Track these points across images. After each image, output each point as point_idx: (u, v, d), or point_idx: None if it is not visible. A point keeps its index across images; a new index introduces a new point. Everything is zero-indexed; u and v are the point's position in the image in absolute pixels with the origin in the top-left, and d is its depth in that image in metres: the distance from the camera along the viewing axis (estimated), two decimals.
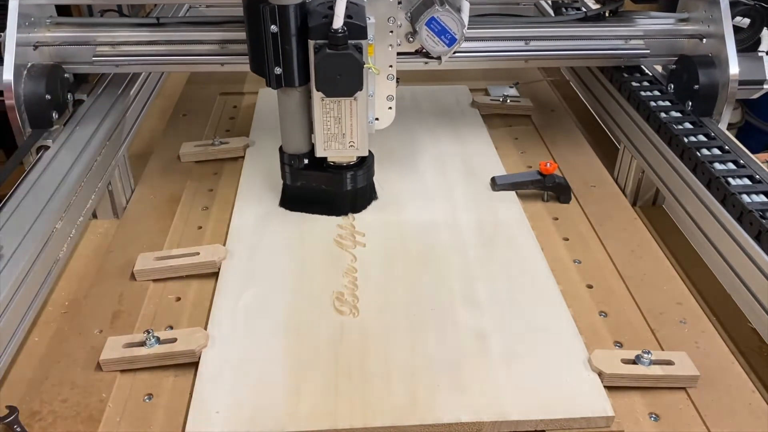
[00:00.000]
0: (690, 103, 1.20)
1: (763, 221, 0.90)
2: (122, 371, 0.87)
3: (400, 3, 1.02)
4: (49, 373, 0.87)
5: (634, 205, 1.26)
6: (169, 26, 1.23)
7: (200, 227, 1.14)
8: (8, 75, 1.09)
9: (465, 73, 1.68)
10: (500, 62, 1.34)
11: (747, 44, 1.24)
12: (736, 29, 1.21)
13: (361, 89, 1.00)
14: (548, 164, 1.19)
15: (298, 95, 1.05)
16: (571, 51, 1.30)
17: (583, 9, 1.31)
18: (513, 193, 1.21)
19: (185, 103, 1.57)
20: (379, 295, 0.98)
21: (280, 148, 1.12)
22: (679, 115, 1.19)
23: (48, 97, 1.12)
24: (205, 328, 0.92)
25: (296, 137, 1.09)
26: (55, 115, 1.14)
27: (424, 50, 1.04)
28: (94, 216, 1.20)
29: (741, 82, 1.17)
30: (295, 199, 1.15)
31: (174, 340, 0.88)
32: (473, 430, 0.79)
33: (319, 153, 1.08)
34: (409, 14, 1.03)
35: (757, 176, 1.01)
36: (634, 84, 1.29)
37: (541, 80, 1.68)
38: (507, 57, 1.30)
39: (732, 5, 1.20)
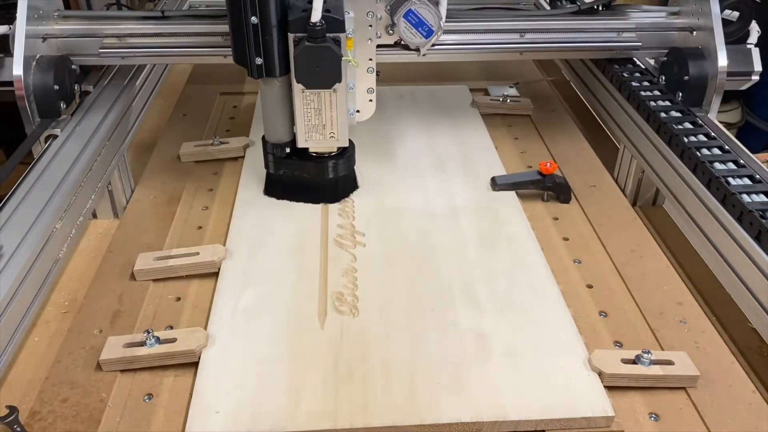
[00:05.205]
0: (680, 94, 1.22)
1: (763, 221, 0.90)
2: (122, 371, 0.87)
3: None
4: (49, 373, 0.87)
5: (634, 205, 1.26)
6: (173, 19, 1.26)
7: (200, 227, 1.14)
8: (18, 66, 1.12)
9: (465, 73, 1.68)
10: (495, 54, 1.35)
11: (736, 37, 1.27)
12: (726, 22, 1.23)
13: (339, 81, 1.03)
14: (548, 164, 1.19)
15: (279, 85, 1.07)
16: (564, 43, 1.33)
17: (577, 3, 1.35)
18: (513, 193, 1.21)
19: (185, 102, 1.56)
20: (379, 295, 0.98)
21: (263, 137, 1.15)
22: (668, 104, 1.21)
23: (56, 87, 1.15)
24: (205, 328, 0.92)
25: (278, 127, 1.12)
26: (63, 106, 1.17)
27: (402, 42, 1.08)
28: (94, 216, 1.20)
29: (729, 74, 1.20)
30: (278, 186, 1.18)
31: (174, 340, 0.88)
32: (473, 430, 0.79)
33: (301, 144, 1.11)
34: (388, 7, 1.06)
35: (757, 176, 1.01)
36: (625, 75, 1.31)
37: (541, 80, 1.68)
38: (502, 49, 1.32)
39: None
